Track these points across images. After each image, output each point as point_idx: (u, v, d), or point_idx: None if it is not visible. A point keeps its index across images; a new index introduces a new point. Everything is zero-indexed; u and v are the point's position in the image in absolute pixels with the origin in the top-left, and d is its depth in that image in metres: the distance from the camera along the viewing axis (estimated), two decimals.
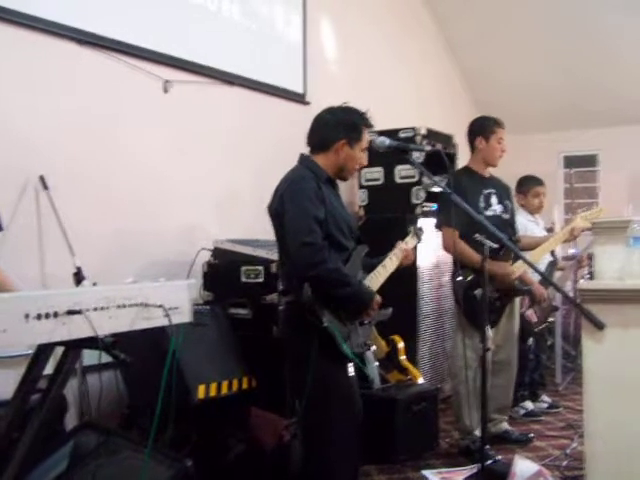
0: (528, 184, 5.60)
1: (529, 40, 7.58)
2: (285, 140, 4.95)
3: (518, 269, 4.21)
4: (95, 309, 1.85)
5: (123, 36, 4.20)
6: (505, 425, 4.65)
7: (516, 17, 7.41)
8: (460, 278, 4.26)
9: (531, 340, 5.38)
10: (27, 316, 1.70)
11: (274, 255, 3.96)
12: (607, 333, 2.57)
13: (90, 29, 4.02)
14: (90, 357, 2.06)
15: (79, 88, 3.99)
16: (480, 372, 3.71)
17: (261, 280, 4.08)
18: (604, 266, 2.84)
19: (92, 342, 1.88)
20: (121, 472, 2.81)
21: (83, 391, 3.72)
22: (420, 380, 4.91)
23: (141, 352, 2.93)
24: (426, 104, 7.34)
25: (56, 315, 1.76)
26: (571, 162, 8.76)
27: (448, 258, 4.87)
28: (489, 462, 4.01)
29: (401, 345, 5.02)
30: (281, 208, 3.00)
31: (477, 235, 3.51)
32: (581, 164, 8.74)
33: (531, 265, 3.41)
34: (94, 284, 3.21)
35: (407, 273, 4.47)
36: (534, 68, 7.83)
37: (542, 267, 5.13)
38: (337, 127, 3.10)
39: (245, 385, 3.83)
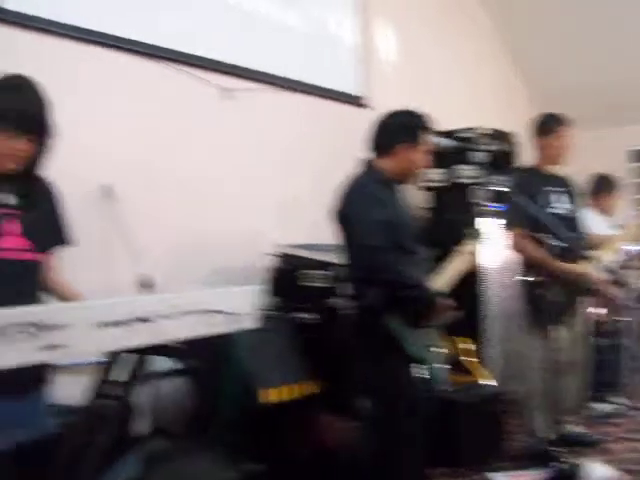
0: (601, 186, 5.49)
1: (590, 33, 7.42)
2: (344, 144, 4.94)
3: (585, 268, 4.13)
4: (162, 316, 1.88)
5: (181, 46, 4.28)
6: (574, 427, 4.57)
7: (577, 9, 7.27)
8: (526, 278, 4.21)
9: (601, 340, 5.28)
10: (97, 324, 1.73)
11: (337, 259, 3.97)
12: None
13: (149, 41, 4.10)
14: (160, 363, 2.09)
15: (140, 99, 4.07)
16: (548, 373, 3.66)
17: (325, 284, 4.09)
18: None
19: (160, 349, 1.91)
20: (190, 476, 2.85)
21: (152, 397, 3.77)
22: (486, 382, 4.86)
23: (208, 358, 2.98)
24: (486, 103, 7.26)
25: (125, 323, 1.79)
26: (638, 157, 8.55)
27: (514, 258, 4.81)
28: (558, 465, 3.96)
29: (467, 347, 4.98)
30: (345, 213, 3.02)
31: (541, 234, 3.47)
32: None
33: (598, 264, 3.35)
34: (161, 291, 3.26)
35: (472, 274, 4.43)
36: (596, 61, 7.65)
37: (609, 266, 5.03)
38: (398, 131, 3.11)
39: (310, 389, 3.83)
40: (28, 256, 2.44)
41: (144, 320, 1.83)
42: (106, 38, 3.89)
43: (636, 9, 7.02)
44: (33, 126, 2.42)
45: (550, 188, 4.29)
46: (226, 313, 2.03)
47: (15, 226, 2.40)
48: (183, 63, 4.30)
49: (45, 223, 2.54)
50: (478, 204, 5.39)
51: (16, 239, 2.39)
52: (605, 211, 5.48)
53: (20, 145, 2.40)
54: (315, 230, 4.57)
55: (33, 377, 2.46)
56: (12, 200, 2.43)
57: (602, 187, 5.50)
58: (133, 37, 4.01)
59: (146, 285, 3.53)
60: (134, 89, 4.05)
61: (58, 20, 3.69)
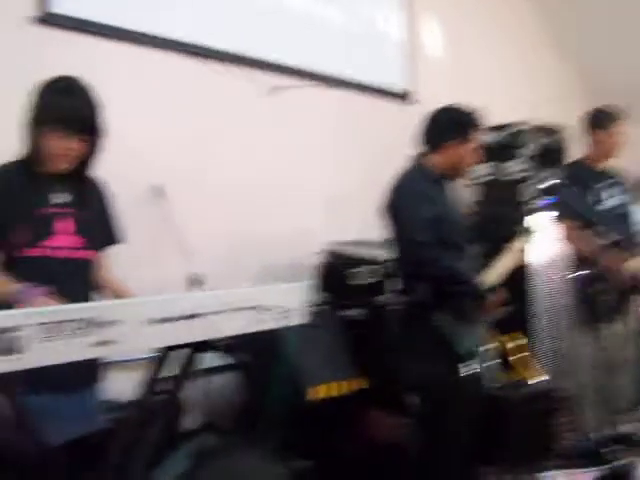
0: None
1: None
2: (392, 140, 4.93)
3: (634, 263, 4.06)
4: (213, 312, 1.90)
5: (226, 45, 4.31)
6: (628, 426, 4.50)
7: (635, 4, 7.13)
8: (576, 274, 4.16)
9: None
10: (148, 320, 1.76)
11: (385, 255, 3.96)
12: None
13: (194, 41, 4.14)
14: (209, 359, 2.12)
15: (187, 98, 4.11)
16: (600, 371, 3.61)
17: (373, 280, 4.08)
18: None
19: (210, 345, 1.93)
20: (239, 472, 2.87)
21: (203, 393, 3.81)
22: (535, 380, 4.81)
23: (257, 354, 3.01)
24: (537, 97, 7.15)
25: (176, 319, 1.81)
26: None
27: (563, 254, 4.75)
28: (610, 465, 3.90)
29: (517, 344, 4.93)
30: (393, 209, 3.02)
31: (591, 229, 3.42)
32: None
33: None
34: (211, 288, 3.29)
35: (520, 271, 4.38)
36: None
37: None
38: (447, 127, 3.10)
39: (359, 385, 3.84)
40: (81, 254, 2.49)
41: (194, 317, 1.85)
42: (155, 39, 3.94)
43: None
44: (84, 126, 2.46)
45: (601, 183, 4.24)
46: (275, 309, 2.04)
47: (69, 224, 2.45)
48: (230, 62, 4.32)
49: (97, 222, 2.60)
50: (528, 199, 5.33)
51: (69, 237, 2.44)
52: None
53: (72, 145, 2.44)
54: (363, 226, 4.58)
55: (85, 373, 2.50)
56: (66, 199, 2.48)
57: None
58: (181, 38, 4.06)
59: (196, 283, 3.57)
60: (182, 89, 4.09)
61: (109, 23, 3.75)
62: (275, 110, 4.59)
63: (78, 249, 2.47)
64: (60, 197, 2.47)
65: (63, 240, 2.42)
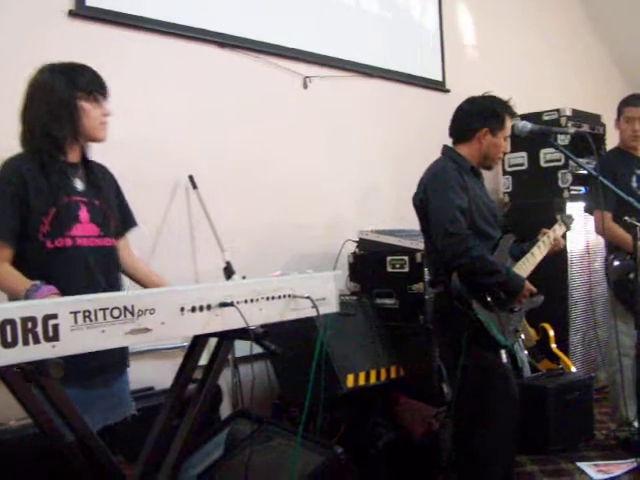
0: None
1: None
2: (426, 129, 4.93)
3: None
4: (245, 301, 1.91)
5: (261, 36, 4.32)
6: None
7: None
8: (614, 262, 4.11)
9: None
10: (182, 309, 1.78)
11: (419, 245, 3.96)
12: None
13: (229, 31, 4.16)
14: (242, 348, 2.13)
15: (222, 89, 4.13)
16: (637, 360, 3.57)
17: (407, 270, 4.08)
18: None
19: (243, 333, 1.94)
20: (274, 458, 2.90)
21: (236, 381, 3.85)
22: (572, 369, 4.78)
23: (291, 343, 3.02)
24: (572, 83, 7.08)
25: (209, 308, 1.83)
26: None
27: (600, 242, 4.70)
28: None
29: (552, 333, 4.91)
30: (425, 199, 3.02)
31: (627, 217, 3.37)
32: None
33: None
34: (244, 277, 3.32)
35: (557, 260, 4.34)
36: None
37: None
38: (479, 116, 3.09)
39: (393, 374, 3.85)
40: (101, 242, 2.46)
41: (228, 305, 1.87)
42: (190, 31, 3.96)
43: None
44: (107, 93, 2.48)
45: (637, 169, 4.18)
46: (308, 298, 2.05)
47: (85, 213, 2.42)
48: (265, 53, 4.34)
49: (111, 208, 2.55)
50: (562, 188, 5.28)
51: (88, 226, 2.42)
52: None
53: (106, 110, 2.47)
54: (397, 216, 4.58)
55: (117, 362, 2.50)
56: (81, 187, 2.45)
57: None
58: (215, 29, 4.07)
59: (229, 272, 3.60)
60: (218, 81, 4.12)
61: (143, 15, 3.77)
62: (309, 101, 4.60)
63: (97, 237, 2.44)
64: (78, 185, 2.45)
65: (83, 229, 2.40)
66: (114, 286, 2.49)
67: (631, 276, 3.83)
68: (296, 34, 4.54)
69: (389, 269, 4.16)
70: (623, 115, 4.26)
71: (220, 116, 4.10)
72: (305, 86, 4.56)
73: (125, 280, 2.66)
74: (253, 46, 4.27)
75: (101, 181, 2.55)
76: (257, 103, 4.30)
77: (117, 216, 2.59)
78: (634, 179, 4.14)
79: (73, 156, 2.44)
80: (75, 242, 2.36)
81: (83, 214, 2.41)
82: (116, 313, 1.64)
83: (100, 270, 2.43)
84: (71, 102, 2.38)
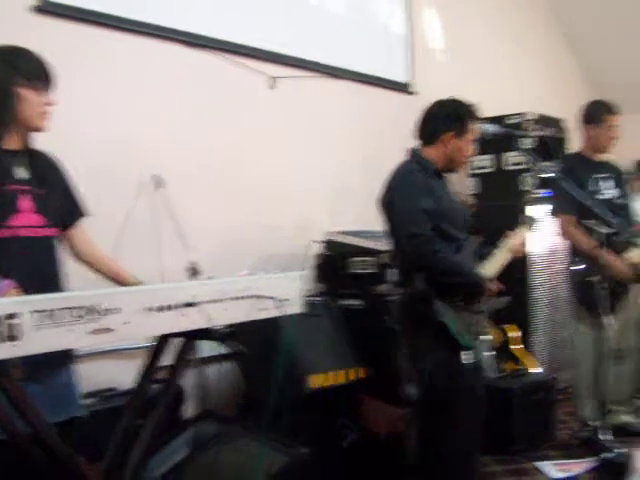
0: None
1: None
2: (394, 131, 4.95)
3: (632, 255, 4.07)
4: (210, 301, 1.91)
5: (228, 36, 4.32)
6: (626, 416, 4.52)
7: None
8: (576, 265, 4.17)
9: None
10: (147, 309, 1.77)
11: (384, 246, 3.97)
12: None
13: (197, 31, 4.15)
14: (208, 348, 2.13)
15: (190, 89, 4.13)
16: (598, 361, 3.62)
17: (372, 271, 4.10)
18: None
19: (208, 333, 1.94)
20: (239, 459, 2.90)
21: (202, 381, 3.84)
22: (535, 370, 4.83)
23: (256, 343, 3.02)
24: (537, 88, 7.16)
25: (174, 307, 1.83)
26: None
27: (562, 245, 4.76)
28: (609, 454, 3.92)
29: (515, 334, 4.96)
30: (390, 201, 3.04)
31: (587, 221, 3.42)
32: None
33: None
34: (209, 277, 3.30)
35: (519, 262, 4.39)
36: None
37: None
38: (444, 120, 3.12)
39: (358, 375, 3.86)
40: (44, 232, 2.38)
41: (192, 305, 1.86)
42: (155, 29, 3.94)
43: None
44: (52, 80, 2.39)
45: (598, 175, 4.26)
46: (273, 298, 2.06)
47: (28, 202, 2.33)
48: (232, 52, 4.33)
49: (57, 198, 2.47)
50: (526, 191, 5.34)
51: (30, 215, 2.33)
52: None
53: (50, 99, 2.38)
54: (365, 217, 4.59)
55: (60, 359, 2.36)
56: (24, 176, 2.36)
57: None
58: (183, 28, 4.06)
59: (195, 272, 3.58)
60: (185, 80, 4.11)
61: (109, 12, 3.75)
62: (278, 101, 4.60)
63: (40, 227, 2.35)
64: (19, 173, 2.35)
65: (25, 219, 2.30)
66: (57, 277, 2.42)
67: (592, 279, 3.90)
68: (264, 35, 4.54)
69: (354, 270, 4.18)
70: (605, 123, 4.30)
71: (188, 116, 4.09)
72: (272, 86, 4.55)
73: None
74: (221, 46, 4.27)
75: (47, 170, 2.47)
76: (225, 103, 4.29)
77: (65, 206, 2.51)
78: (591, 183, 4.20)
79: (12, 143, 2.35)
80: (15, 232, 2.27)
81: (24, 203, 2.32)
82: (80, 312, 1.63)
83: (44, 261, 2.36)
84: (8, 88, 2.29)
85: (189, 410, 3.72)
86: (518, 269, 4.94)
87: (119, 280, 2.60)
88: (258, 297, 2.03)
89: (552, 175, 3.62)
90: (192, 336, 1.97)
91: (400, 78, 5.63)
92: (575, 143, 4.80)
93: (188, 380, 3.72)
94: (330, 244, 4.42)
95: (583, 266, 4.05)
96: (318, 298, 4.10)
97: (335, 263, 4.32)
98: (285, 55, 4.66)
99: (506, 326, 4.93)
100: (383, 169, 3.21)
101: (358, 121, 5.20)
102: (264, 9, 4.55)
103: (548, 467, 4.01)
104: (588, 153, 4.35)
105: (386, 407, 3.81)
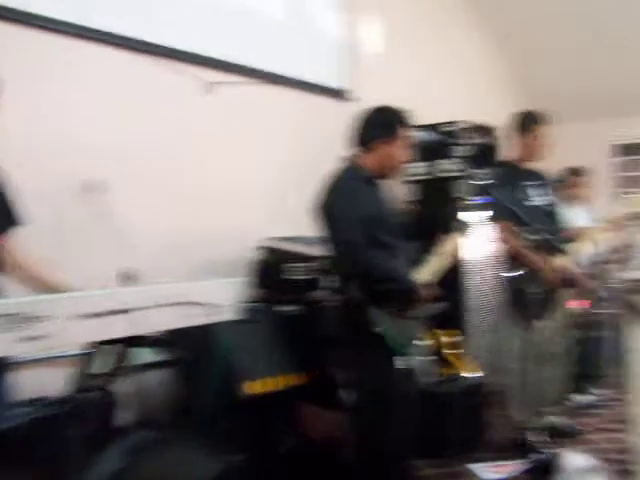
0: (567, 174, 5.62)
1: (575, 26, 7.45)
2: (332, 138, 4.96)
3: (560, 261, 4.17)
4: (143, 308, 1.91)
5: (165, 40, 4.28)
6: (554, 418, 4.63)
7: (565, 3, 7.31)
8: (510, 271, 4.26)
9: (579, 332, 5.34)
10: (78, 316, 1.75)
11: (320, 252, 4.00)
12: None
13: (135, 35, 4.11)
14: (143, 355, 2.11)
15: (126, 92, 4.08)
16: (529, 365, 3.70)
17: (308, 277, 4.11)
18: None
19: (142, 340, 1.94)
20: (174, 466, 2.88)
21: (136, 389, 3.80)
22: (469, 374, 4.90)
23: (191, 350, 3.01)
24: (473, 96, 7.29)
25: (105, 314, 1.82)
26: (620, 150, 8.63)
27: (496, 251, 4.84)
28: (539, 455, 4.02)
29: (449, 339, 5.02)
30: (325, 209, 3.07)
31: (520, 228, 3.50)
32: (631, 152, 8.60)
33: (576, 256, 3.40)
34: (146, 284, 3.28)
35: (453, 267, 4.46)
36: (583, 55, 7.71)
37: (587, 258, 5.09)
38: (375, 127, 3.17)
39: (295, 381, 3.86)
40: None
41: (125, 312, 1.86)
42: (91, 32, 3.89)
43: (620, 10, 7.06)
44: None
45: (529, 182, 4.35)
46: (207, 305, 2.06)
47: None
48: (168, 57, 4.30)
49: None
50: (461, 197, 5.43)
51: None
52: (580, 203, 5.58)
53: None
54: (301, 223, 4.61)
55: None
56: None
57: (567, 177, 5.62)
58: (118, 31, 4.02)
59: (129, 278, 3.54)
60: (123, 84, 4.06)
61: (43, 14, 3.69)
62: (214, 106, 4.58)
63: None
64: None
65: None
66: None
67: (522, 285, 3.99)
68: (201, 40, 4.51)
69: (290, 276, 4.19)
70: (534, 132, 4.40)
71: (126, 120, 4.05)
72: (209, 92, 4.54)
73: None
74: (157, 50, 4.23)
75: None
76: (162, 107, 4.26)
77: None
78: (521, 190, 4.30)
79: None
80: None
81: None
82: (10, 320, 1.61)
83: None
84: None
85: (125, 418, 3.68)
86: (454, 274, 5.02)
87: (48, 287, 2.57)
88: (192, 304, 2.03)
89: (484, 182, 3.69)
90: (125, 343, 1.96)
91: (338, 85, 5.66)
92: (508, 151, 4.91)
93: (124, 388, 3.68)
94: (268, 250, 4.42)
95: (516, 271, 4.13)
96: (256, 304, 4.10)
97: (273, 269, 4.33)
98: (222, 61, 4.64)
99: (442, 331, 4.99)
100: (322, 176, 3.24)
101: (297, 127, 5.22)
102: (201, 14, 4.52)
103: (481, 469, 4.08)
104: (518, 161, 4.44)
105: (323, 413, 3.83)
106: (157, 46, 4.24)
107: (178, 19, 4.38)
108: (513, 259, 4.12)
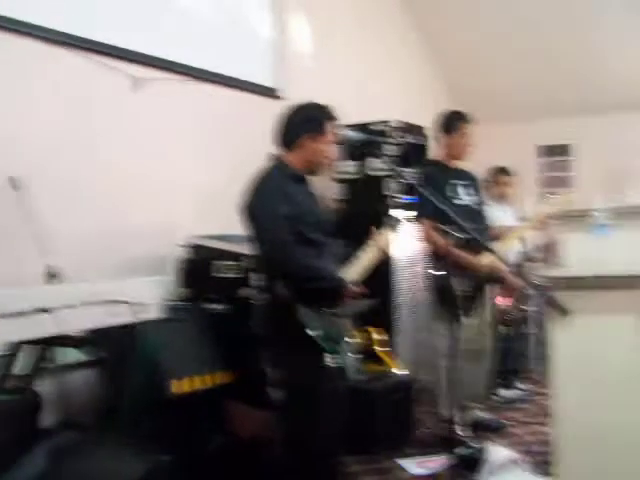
0: (493, 174, 5.73)
1: (503, 29, 7.60)
2: (260, 135, 4.94)
3: (487, 258, 4.24)
4: (65, 307, 1.88)
5: (91, 34, 4.20)
6: (480, 413, 4.72)
7: (493, 6, 7.44)
8: (434, 269, 4.32)
9: (506, 328, 5.45)
10: None
11: (248, 250, 3.98)
12: (573, 320, 2.62)
13: (58, 27, 4.01)
14: (66, 355, 2.08)
15: (49, 87, 4.00)
16: (455, 361, 3.76)
17: (236, 275, 4.10)
18: (569, 254, 2.92)
19: (65, 340, 1.91)
20: (98, 468, 2.83)
21: (60, 389, 3.73)
22: (397, 371, 4.96)
23: (116, 349, 2.97)
24: (402, 96, 7.37)
25: (26, 314, 1.78)
26: (545, 151, 8.83)
27: (423, 249, 4.90)
28: (464, 450, 4.09)
29: (378, 336, 5.07)
30: (251, 207, 3.07)
31: (447, 226, 3.54)
32: (555, 153, 8.81)
33: (496, 254, 3.46)
34: (66, 283, 3.22)
35: (383, 264, 4.50)
36: (508, 57, 7.87)
37: (513, 256, 5.21)
38: (300, 123, 3.17)
39: (222, 379, 3.84)
40: None
41: (47, 311, 1.82)
42: (14, 24, 3.79)
43: (549, 5, 7.21)
44: None
45: (456, 181, 4.43)
46: (131, 303, 2.04)
47: None
48: (94, 51, 4.22)
49: None
50: (390, 196, 5.49)
51: None
52: (507, 202, 5.70)
53: None
54: (231, 221, 4.59)
55: None
56: None
57: (493, 176, 5.74)
58: (42, 23, 3.92)
59: (53, 276, 3.48)
60: (44, 78, 3.97)
61: None
62: (143, 102, 4.52)
63: None
64: None
65: None
66: None
67: (448, 282, 4.05)
68: (128, 35, 4.44)
69: (218, 274, 4.17)
70: (460, 131, 4.47)
71: (48, 116, 3.96)
72: (136, 88, 4.48)
73: None
74: (81, 44, 4.14)
75: None
76: (86, 103, 4.19)
77: None
78: (449, 189, 4.37)
79: None
80: None
81: None
82: None
83: None
84: None
85: (48, 420, 3.61)
86: (383, 272, 5.06)
87: None
88: (116, 302, 2.01)
89: (412, 181, 3.73)
90: (45, 343, 1.93)
91: (269, 83, 5.64)
92: (436, 151, 4.98)
93: (46, 388, 3.61)
94: (195, 248, 4.39)
95: (442, 269, 4.19)
96: (182, 302, 4.07)
97: (200, 267, 4.30)
98: (150, 56, 4.57)
99: (371, 328, 5.03)
100: (250, 174, 3.23)
101: (226, 125, 5.19)
102: (129, 8, 4.46)
103: (409, 464, 4.14)
104: (446, 160, 4.52)
105: (251, 411, 3.82)
106: (85, 40, 4.16)
107: (108, 13, 4.31)
108: (440, 257, 4.17)
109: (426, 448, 4.38)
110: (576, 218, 2.94)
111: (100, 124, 4.27)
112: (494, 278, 4.46)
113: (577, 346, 2.67)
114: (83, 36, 4.15)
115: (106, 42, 4.29)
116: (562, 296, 2.67)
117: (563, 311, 2.62)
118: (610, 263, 2.71)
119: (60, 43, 4.04)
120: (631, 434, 2.57)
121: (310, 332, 2.95)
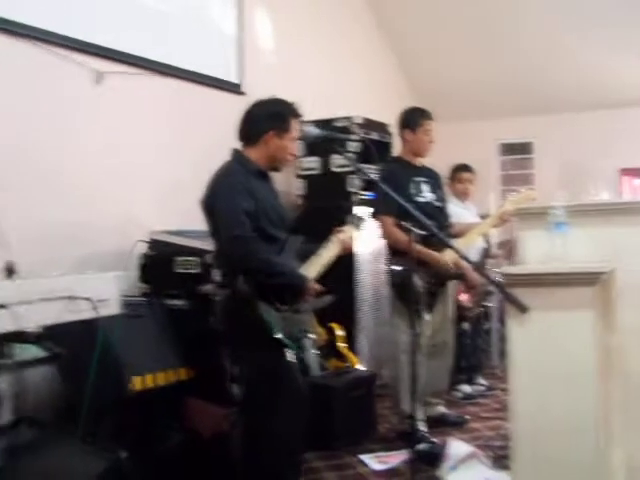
0: (455, 171, 5.77)
1: (465, 28, 7.65)
2: (222, 131, 4.92)
3: (449, 255, 4.27)
4: (21, 302, 1.85)
5: (52, 26, 4.14)
6: (442, 408, 4.76)
7: (452, 5, 7.48)
8: (395, 266, 4.34)
9: (467, 324, 5.51)
10: None
11: (209, 245, 3.97)
12: (531, 316, 2.65)
13: (18, 19, 3.95)
14: (24, 351, 2.05)
15: (9, 80, 3.94)
16: (415, 357, 3.78)
17: (196, 271, 4.07)
18: (528, 251, 2.95)
19: (19, 336, 1.88)
20: (56, 465, 2.81)
21: (17, 386, 3.68)
22: (358, 366, 4.98)
23: (75, 345, 2.94)
24: (365, 93, 7.39)
25: None
26: (507, 149, 8.92)
27: (384, 246, 4.93)
28: (424, 445, 4.12)
29: (339, 332, 5.09)
30: (211, 203, 3.06)
31: (407, 223, 3.56)
32: (516, 151, 8.90)
33: (457, 251, 3.49)
34: (25, 278, 3.18)
35: (345, 261, 4.51)
36: (470, 56, 7.92)
37: (475, 253, 5.25)
38: (264, 119, 3.17)
39: (182, 376, 3.83)
40: None
41: (4, 306, 1.80)
42: None
43: (508, 5, 7.28)
44: None
45: (417, 178, 4.46)
46: (88, 299, 2.02)
47: None
48: (55, 44, 4.16)
49: None
50: (352, 192, 5.50)
51: None
52: (469, 199, 5.75)
53: None
54: (193, 217, 4.56)
55: None
56: None
57: (454, 173, 5.79)
58: (5, 16, 3.86)
59: (11, 271, 3.43)
60: (6, 70, 3.91)
61: None
62: (104, 96, 4.48)
63: None
64: None
65: None
66: None
67: (410, 278, 4.07)
68: (91, 28, 4.39)
69: (179, 270, 4.14)
70: (422, 127, 4.49)
71: (5, 108, 3.90)
72: (98, 81, 4.43)
73: None
74: (42, 36, 4.08)
75: None
76: (47, 97, 4.13)
77: None
78: (412, 186, 4.40)
79: None
80: None
81: None
82: None
83: None
84: None
85: (5, 416, 3.56)
86: (345, 268, 5.08)
87: None
88: (72, 298, 1.99)
89: (373, 178, 3.75)
90: (4, 339, 1.91)
91: (231, 78, 5.62)
92: (399, 147, 5.00)
93: (3, 384, 3.56)
94: (155, 243, 4.36)
95: (402, 265, 4.22)
96: (142, 298, 4.04)
97: (160, 263, 4.26)
98: (112, 49, 4.53)
99: (332, 324, 5.05)
100: (213, 169, 3.22)
101: (189, 120, 5.16)
102: (94, 3, 4.41)
103: (369, 460, 4.16)
104: (408, 157, 4.54)
105: (211, 407, 3.81)
106: (48, 33, 4.10)
107: (72, 7, 4.26)
108: (400, 253, 4.19)
109: (387, 443, 4.41)
110: (536, 215, 2.95)
111: (63, 117, 4.21)
112: (455, 274, 4.49)
113: (535, 342, 2.69)
114: (46, 29, 4.10)
115: (70, 36, 4.24)
116: (521, 292, 2.69)
117: (521, 307, 2.65)
118: (569, 260, 2.74)
119: (23, 36, 3.98)
120: (587, 429, 2.61)
121: (270, 328, 2.94)
